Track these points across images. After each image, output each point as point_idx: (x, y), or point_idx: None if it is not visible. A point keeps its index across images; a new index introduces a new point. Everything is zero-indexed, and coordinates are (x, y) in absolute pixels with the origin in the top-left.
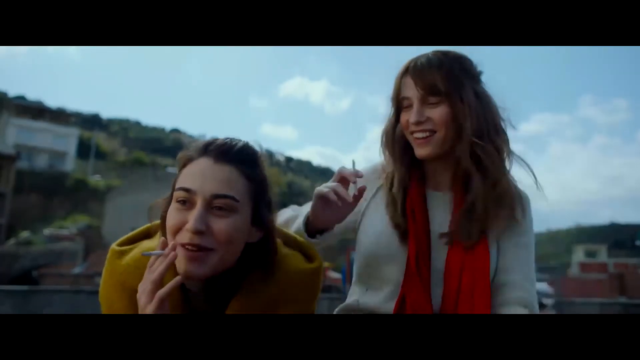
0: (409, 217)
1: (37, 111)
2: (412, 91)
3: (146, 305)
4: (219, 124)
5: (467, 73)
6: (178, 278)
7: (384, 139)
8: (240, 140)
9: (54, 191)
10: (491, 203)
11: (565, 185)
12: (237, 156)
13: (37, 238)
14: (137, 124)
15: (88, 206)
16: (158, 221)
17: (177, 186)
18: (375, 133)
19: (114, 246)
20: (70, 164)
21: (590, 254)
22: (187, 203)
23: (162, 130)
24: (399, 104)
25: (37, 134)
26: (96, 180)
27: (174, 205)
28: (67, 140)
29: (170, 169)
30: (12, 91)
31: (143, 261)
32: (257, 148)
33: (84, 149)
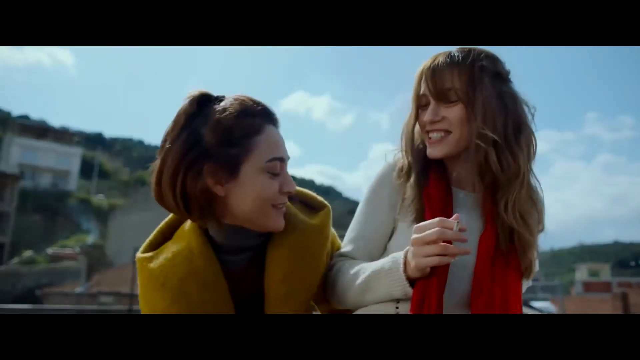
0: (426, 210)
1: (40, 130)
2: (426, 89)
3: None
4: None
5: (489, 72)
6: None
7: (402, 135)
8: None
9: (57, 210)
10: (519, 207)
11: (569, 204)
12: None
13: (40, 257)
14: (140, 143)
15: (91, 225)
16: (164, 224)
17: (268, 157)
18: (377, 152)
19: (140, 255)
20: (73, 184)
21: (593, 273)
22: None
23: None
24: (419, 101)
25: (41, 154)
26: (99, 199)
27: (266, 176)
28: (70, 159)
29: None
30: (9, 109)
31: (177, 260)
32: None
33: (87, 168)
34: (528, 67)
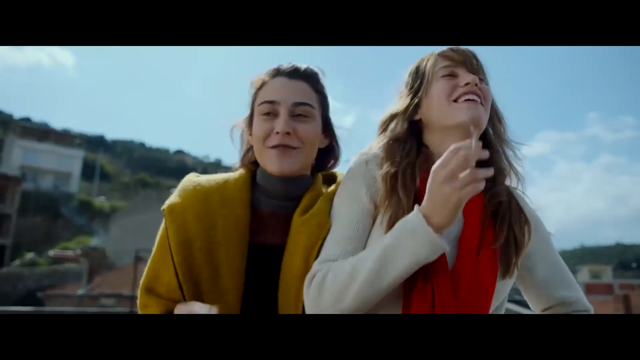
0: None
1: (42, 133)
2: (456, 62)
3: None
4: (222, 144)
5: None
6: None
7: (397, 127)
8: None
9: (58, 212)
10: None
11: (570, 205)
12: (305, 73)
13: (41, 259)
14: (141, 145)
15: (93, 227)
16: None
17: (259, 101)
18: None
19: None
20: (74, 185)
21: (595, 274)
22: (270, 114)
23: (166, 151)
24: (432, 76)
25: (42, 156)
26: (101, 201)
27: (258, 118)
28: (71, 161)
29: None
30: (10, 110)
31: (217, 179)
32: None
33: (88, 170)
34: (528, 67)
